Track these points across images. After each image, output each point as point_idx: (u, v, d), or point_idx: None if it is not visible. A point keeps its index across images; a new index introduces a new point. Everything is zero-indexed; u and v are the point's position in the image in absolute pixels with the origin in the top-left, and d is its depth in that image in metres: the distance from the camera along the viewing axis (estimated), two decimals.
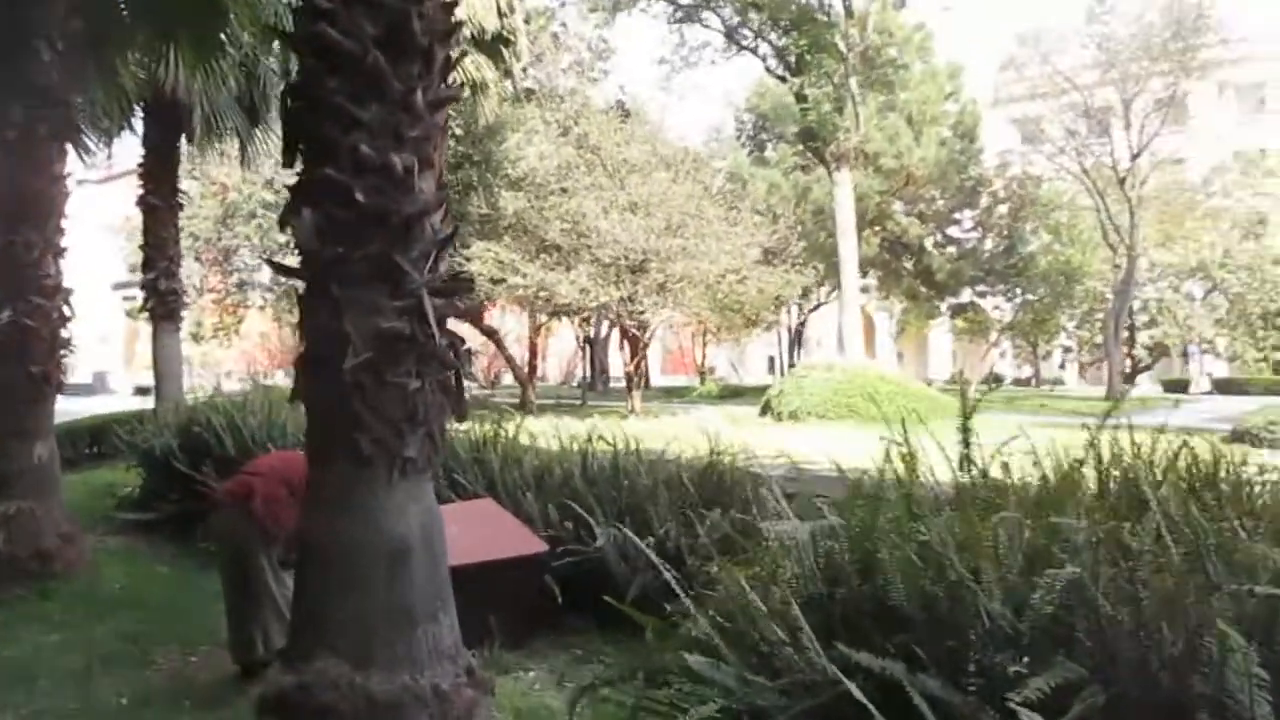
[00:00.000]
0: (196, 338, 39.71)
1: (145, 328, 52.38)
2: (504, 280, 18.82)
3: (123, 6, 8.03)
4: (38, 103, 7.00)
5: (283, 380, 42.58)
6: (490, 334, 23.13)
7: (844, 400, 19.14)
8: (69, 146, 7.70)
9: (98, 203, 39.39)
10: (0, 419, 7.07)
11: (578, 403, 27.14)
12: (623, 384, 44.44)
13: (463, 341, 4.01)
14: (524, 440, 7.56)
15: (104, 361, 48.13)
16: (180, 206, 14.43)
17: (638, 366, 20.24)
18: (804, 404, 19.34)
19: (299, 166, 3.93)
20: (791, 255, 22.26)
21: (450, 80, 4.08)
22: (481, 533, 5.42)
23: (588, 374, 34.00)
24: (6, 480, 7.01)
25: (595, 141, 18.98)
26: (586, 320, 27.28)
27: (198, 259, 33.99)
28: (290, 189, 3.94)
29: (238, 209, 31.36)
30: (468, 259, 18.85)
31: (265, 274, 38.29)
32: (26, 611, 6.43)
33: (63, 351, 7.28)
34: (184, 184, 18.87)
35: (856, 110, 21.82)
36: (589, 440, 6.33)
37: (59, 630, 5.99)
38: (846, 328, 21.22)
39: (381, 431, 3.74)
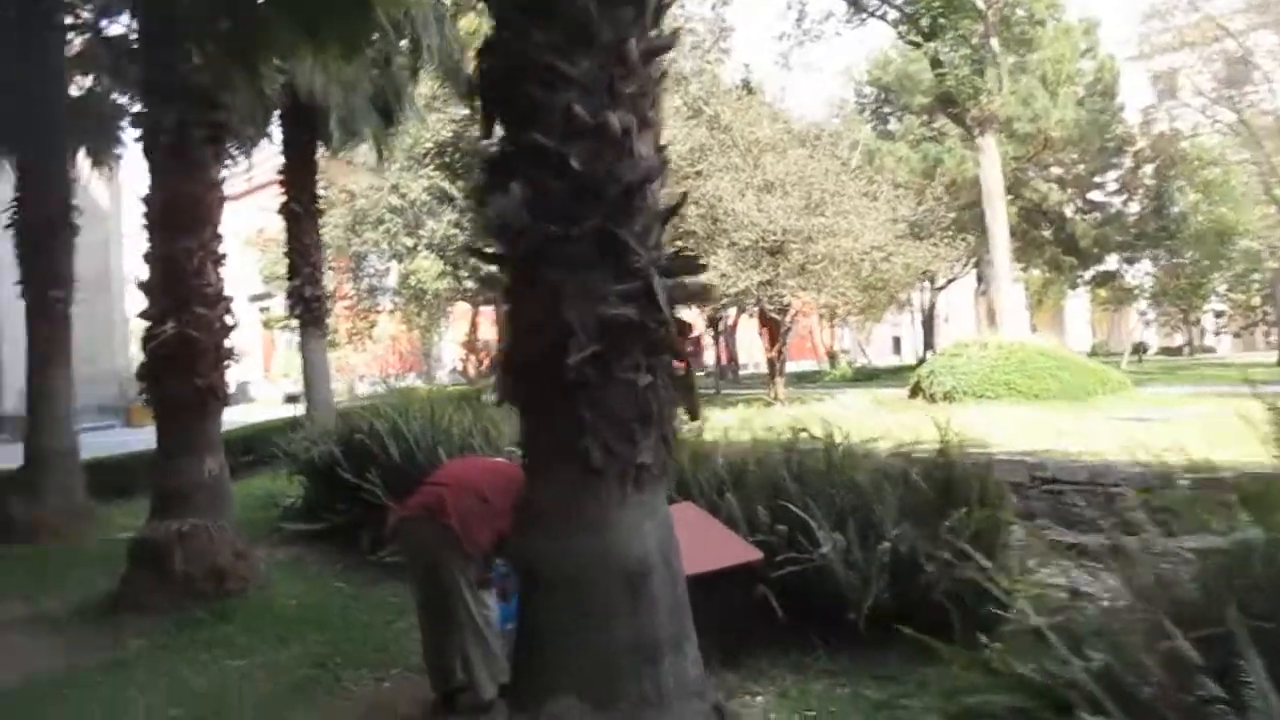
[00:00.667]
0: (332, 344, 40.61)
1: (281, 337, 53.89)
2: None
3: (267, 6, 7.78)
4: (191, 105, 6.76)
5: (414, 382, 43.32)
6: None
7: (1001, 377, 18.05)
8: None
9: (230, 217, 40.54)
10: (169, 434, 6.88)
11: (711, 391, 26.56)
12: (750, 371, 43.76)
13: (690, 327, 3.46)
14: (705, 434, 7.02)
15: (243, 372, 49.87)
16: (320, 212, 14.39)
17: (779, 352, 19.54)
18: (959, 383, 18.30)
19: (497, 136, 3.44)
20: (939, 227, 21.09)
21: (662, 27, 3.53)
22: (689, 541, 4.86)
23: (719, 362, 33.22)
24: (179, 497, 6.82)
25: (727, 121, 18.33)
26: (718, 307, 26.68)
27: (330, 267, 34.60)
28: (488, 162, 3.46)
29: (365, 215, 31.72)
30: None
31: (393, 278, 38.89)
32: (206, 635, 6.19)
33: (226, 362, 7.05)
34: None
35: (1000, 71, 20.60)
36: (793, 432, 5.73)
37: (243, 655, 5.71)
38: (999, 301, 20.06)
39: (611, 435, 3.22)
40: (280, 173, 14.00)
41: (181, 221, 6.78)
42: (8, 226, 10.38)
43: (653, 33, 3.42)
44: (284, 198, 13.90)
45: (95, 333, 25.19)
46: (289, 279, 14.11)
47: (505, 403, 3.53)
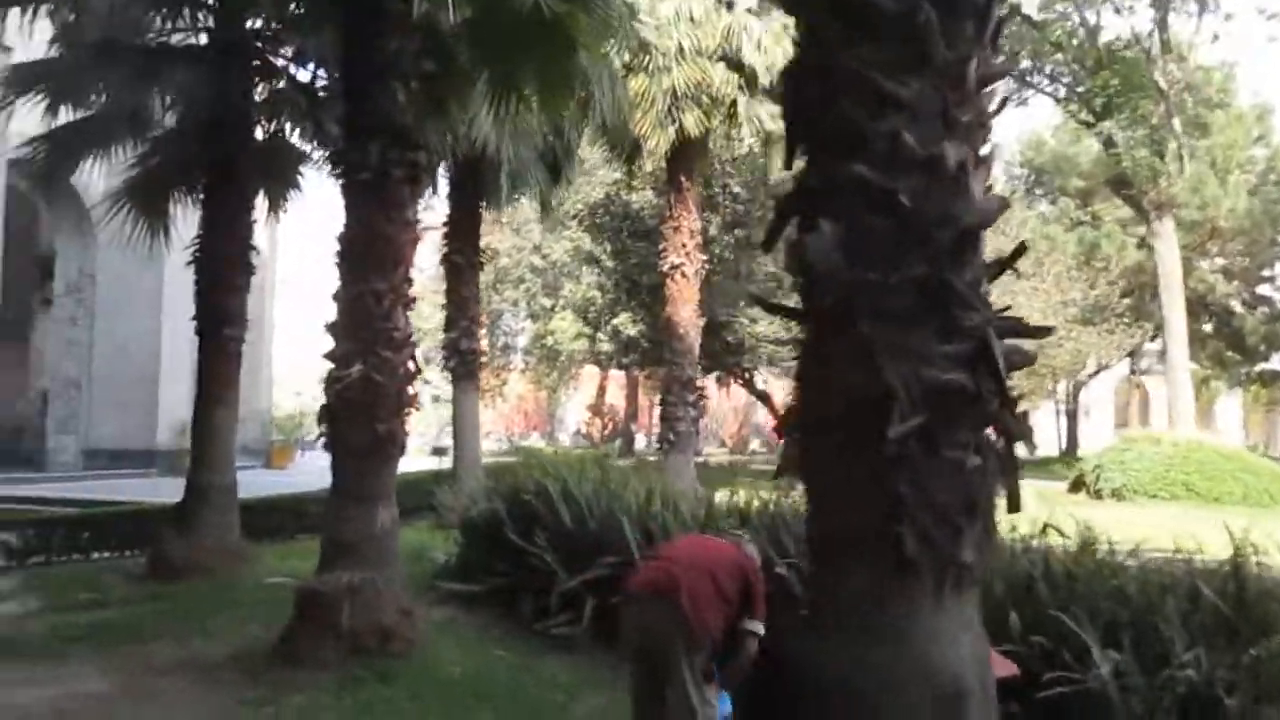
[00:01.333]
0: None
1: (425, 387, 54.92)
2: (788, 342, 17.81)
3: (467, 47, 7.66)
4: (392, 144, 6.59)
5: (538, 442, 43.47)
6: (763, 397, 22.15)
7: (1178, 477, 16.79)
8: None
9: None
10: (345, 481, 6.60)
11: None
12: None
13: (1017, 399, 2.91)
14: None
15: None
16: (481, 266, 14.35)
17: None
18: (1129, 480, 17.11)
19: (798, 168, 2.99)
20: (1113, 313, 19.96)
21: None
22: None
23: None
24: (349, 548, 6.51)
25: None
26: None
27: None
28: (789, 198, 3.01)
29: (507, 274, 32.16)
30: (753, 320, 18.04)
31: (525, 337, 39.29)
32: (368, 696, 5.81)
33: (407, 409, 6.77)
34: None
35: (1181, 152, 19.57)
36: (1042, 531, 5.07)
37: None
38: (1175, 397, 18.76)
39: (930, 524, 2.67)
40: (445, 224, 14.02)
41: (375, 262, 6.58)
42: (189, 264, 10.50)
43: (991, 54, 2.94)
44: (445, 249, 13.88)
45: (245, 374, 25.83)
46: (445, 331, 14.04)
47: (786, 474, 3.01)
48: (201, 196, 10.67)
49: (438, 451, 15.83)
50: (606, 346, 28.76)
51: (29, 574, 10.39)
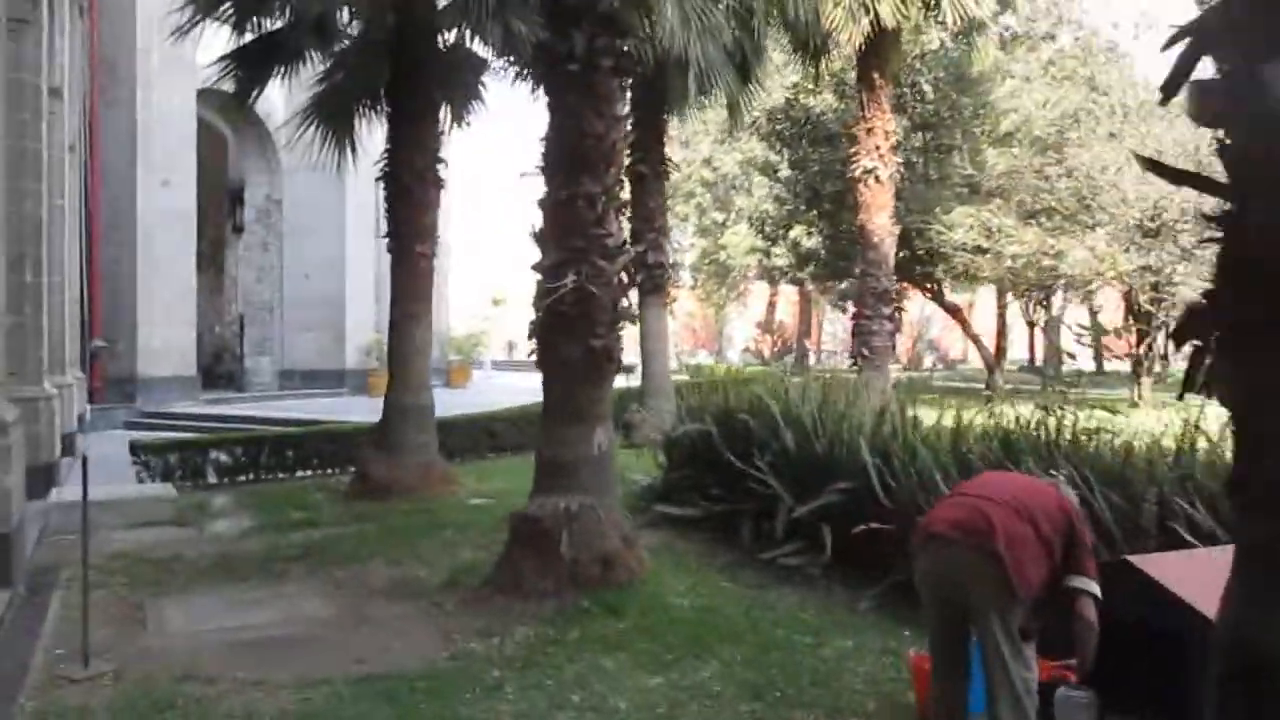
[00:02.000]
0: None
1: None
2: (987, 250, 16.55)
3: None
4: (599, 30, 5.97)
5: (706, 359, 43.00)
6: (954, 311, 20.92)
7: None
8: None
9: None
10: (557, 400, 6.16)
11: (1036, 388, 24.08)
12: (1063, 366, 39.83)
13: None
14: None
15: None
16: (668, 175, 13.69)
17: (1149, 349, 17.08)
18: None
19: None
20: None
21: None
22: None
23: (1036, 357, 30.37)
24: (566, 470, 6.10)
25: (1106, 84, 16.11)
26: (1045, 298, 24.20)
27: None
28: (1199, 29, 2.21)
29: (677, 189, 31.40)
30: (949, 226, 16.83)
31: (694, 254, 38.63)
32: (600, 633, 5.40)
33: (622, 323, 6.25)
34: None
35: None
36: None
37: (656, 668, 4.84)
38: None
39: None
40: (628, 132, 13.39)
41: (585, 162, 6.04)
42: (378, 179, 10.27)
43: None
44: (630, 159, 13.28)
45: None
46: (631, 242, 13.50)
47: (1211, 394, 2.27)
48: (387, 110, 10.38)
49: (624, 369, 15.42)
50: (781, 260, 27.81)
51: (240, 491, 10.57)
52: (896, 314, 15.18)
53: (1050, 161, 15.80)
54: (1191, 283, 15.60)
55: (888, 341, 15.05)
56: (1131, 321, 17.76)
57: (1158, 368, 19.35)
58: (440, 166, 10.19)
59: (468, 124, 11.68)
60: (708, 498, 7.58)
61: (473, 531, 8.08)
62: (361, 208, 23.22)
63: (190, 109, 19.27)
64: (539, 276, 6.23)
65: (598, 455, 6.15)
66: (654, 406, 13.16)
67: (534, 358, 6.38)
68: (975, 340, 21.52)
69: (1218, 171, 2.13)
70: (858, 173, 14.81)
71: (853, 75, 16.27)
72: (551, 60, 6.12)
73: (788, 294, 41.68)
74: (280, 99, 22.07)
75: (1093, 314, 23.28)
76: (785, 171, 22.43)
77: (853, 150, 15.06)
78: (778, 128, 20.92)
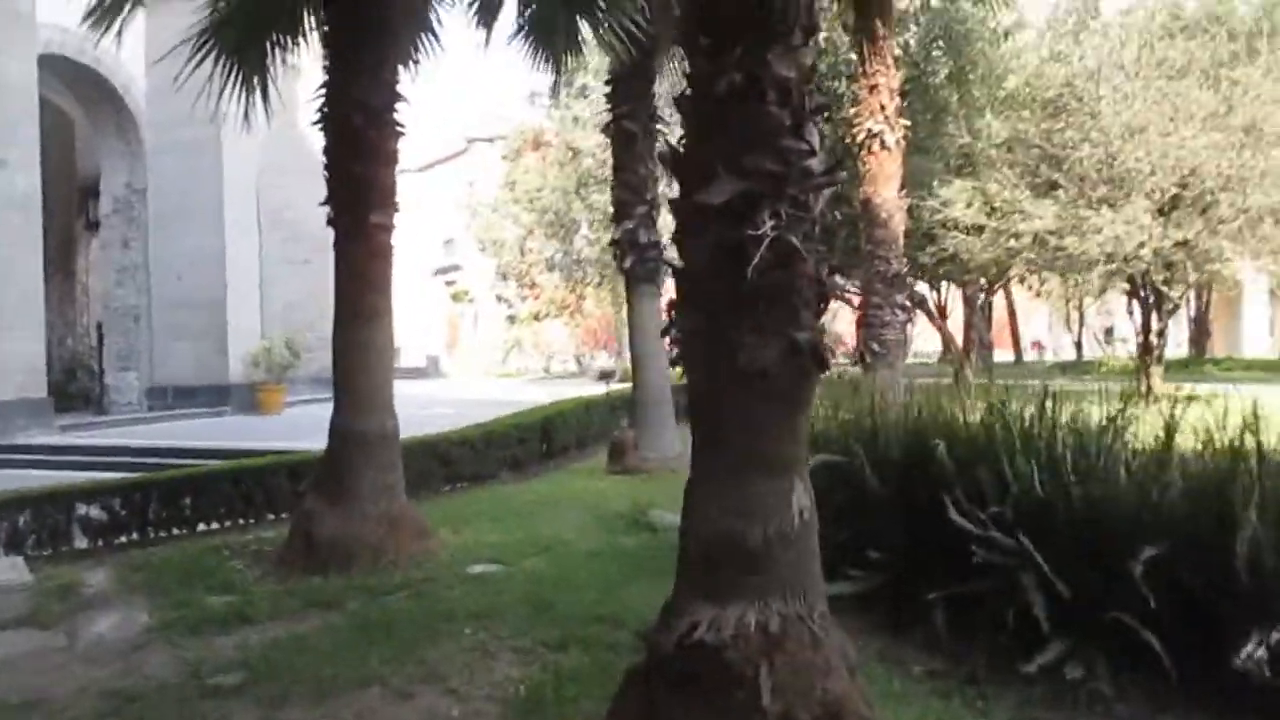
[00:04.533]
0: (537, 317, 38.20)
1: (467, 312, 51.86)
2: (984, 229, 14.60)
3: None
4: None
5: (607, 362, 40.44)
6: (921, 303, 19.02)
7: None
8: None
9: (414, 191, 38.16)
10: (733, 437, 3.59)
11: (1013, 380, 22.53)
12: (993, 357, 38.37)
13: None
14: None
15: (430, 347, 47.92)
16: (660, 133, 11.15)
17: (1160, 335, 15.46)
18: None
19: None
20: None
21: None
22: None
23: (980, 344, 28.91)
24: (748, 556, 3.54)
25: (1123, 36, 14.34)
26: (998, 283, 22.66)
27: (548, 235, 31.99)
28: None
29: (591, 176, 28.80)
30: (944, 203, 14.84)
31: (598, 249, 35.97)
32: None
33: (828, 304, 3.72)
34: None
35: None
36: None
37: None
38: None
39: None
40: (607, 82, 10.83)
41: (769, 21, 3.47)
42: (315, 124, 7.47)
43: None
44: (611, 112, 10.72)
45: (324, 296, 23.06)
46: (615, 221, 10.93)
47: None
48: (325, 29, 7.60)
49: (604, 375, 12.85)
50: None
51: (123, 561, 7.59)
52: (910, 302, 12.99)
53: (1062, 126, 13.95)
54: (1232, 264, 13.94)
55: (901, 334, 12.87)
56: (1137, 305, 16.11)
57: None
58: (401, 105, 7.45)
59: (415, 62, 8.88)
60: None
61: (500, 624, 5.42)
62: (242, 192, 19.95)
63: (30, 73, 15.73)
64: (686, 225, 3.66)
65: (799, 528, 3.60)
66: (651, 422, 10.64)
67: (678, 366, 3.79)
68: (943, 331, 19.67)
69: None
70: (860, 138, 12.56)
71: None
72: None
73: None
74: (139, 68, 18.68)
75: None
76: None
77: (854, 112, 12.82)
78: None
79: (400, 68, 7.62)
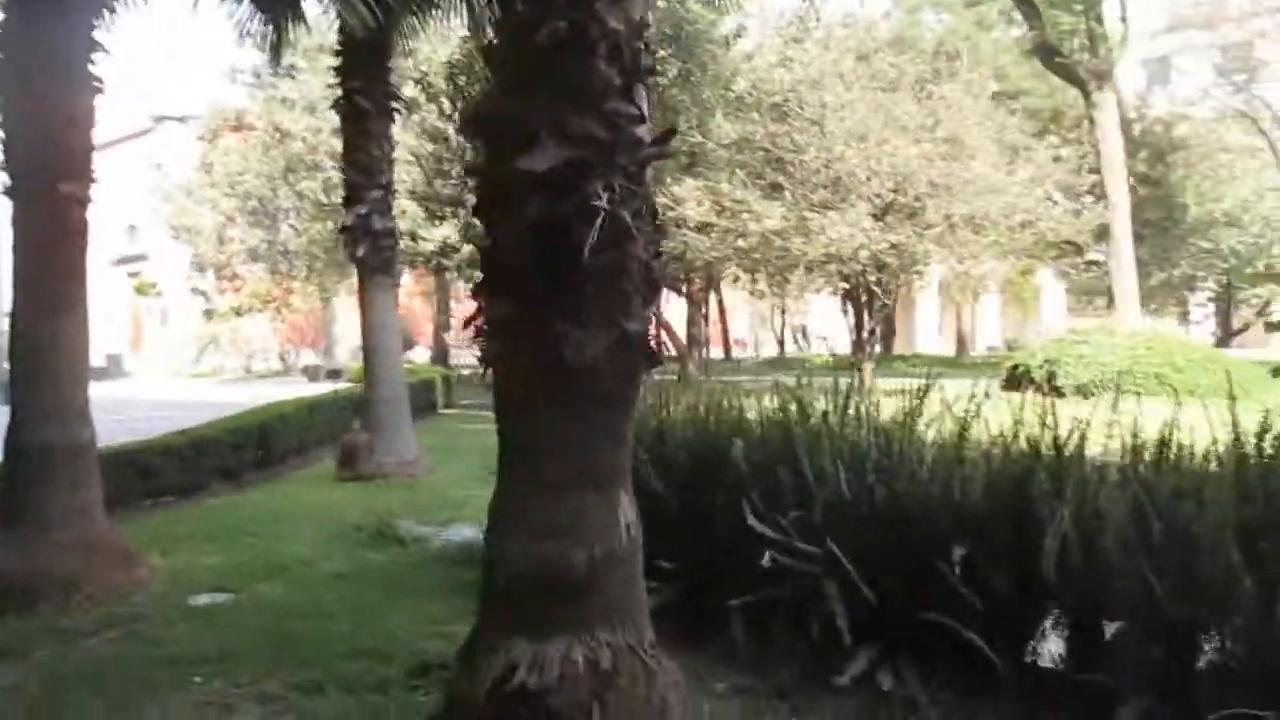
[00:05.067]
0: (238, 311, 35.39)
1: (154, 306, 47.40)
2: (715, 226, 14.86)
3: None
4: None
5: (312, 360, 38.19)
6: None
7: (1148, 370, 15.47)
8: None
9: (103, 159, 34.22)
10: (551, 446, 3.11)
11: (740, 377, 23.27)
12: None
13: None
14: None
15: (111, 344, 43.25)
16: (395, 111, 10.30)
17: (873, 332, 16.36)
18: (1094, 376, 15.63)
19: None
20: (1078, 188, 17.72)
21: None
22: None
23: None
24: (572, 583, 3.08)
25: (845, 46, 14.98)
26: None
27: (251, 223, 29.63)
28: None
29: (300, 161, 26.93)
30: (676, 201, 14.93)
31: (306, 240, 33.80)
32: None
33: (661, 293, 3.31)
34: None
35: (1126, 17, 17.89)
36: None
37: None
38: (1120, 285, 17.40)
39: None
40: (337, 52, 9.89)
41: None
42: None
43: None
44: (341, 85, 9.80)
45: None
46: (345, 205, 10.00)
47: None
48: None
49: (332, 374, 11.79)
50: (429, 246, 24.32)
51: None
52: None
53: (789, 130, 14.42)
54: (931, 268, 14.95)
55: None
56: (849, 305, 17.00)
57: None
58: (98, 54, 6.31)
59: (112, 10, 7.59)
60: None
61: (236, 668, 4.57)
62: None
63: None
64: (497, 197, 3.13)
65: (627, 545, 3.17)
66: (387, 423, 9.84)
67: (478, 359, 3.24)
68: (667, 328, 19.93)
69: None
70: None
71: None
72: None
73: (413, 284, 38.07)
74: None
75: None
76: (456, 140, 19.37)
77: None
78: (459, 84, 17.79)
79: (96, 11, 6.44)
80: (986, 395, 4.73)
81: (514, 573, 3.11)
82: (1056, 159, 15.47)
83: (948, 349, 41.03)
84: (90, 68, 6.29)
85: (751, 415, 5.14)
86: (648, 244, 3.16)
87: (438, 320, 31.97)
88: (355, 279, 31.49)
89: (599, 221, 2.90)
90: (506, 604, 3.12)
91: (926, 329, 48.46)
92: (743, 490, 4.58)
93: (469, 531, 6.86)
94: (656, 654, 3.15)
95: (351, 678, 4.34)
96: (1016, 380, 17.21)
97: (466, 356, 36.65)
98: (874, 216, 13.77)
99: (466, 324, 3.21)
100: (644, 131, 3.16)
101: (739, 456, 4.65)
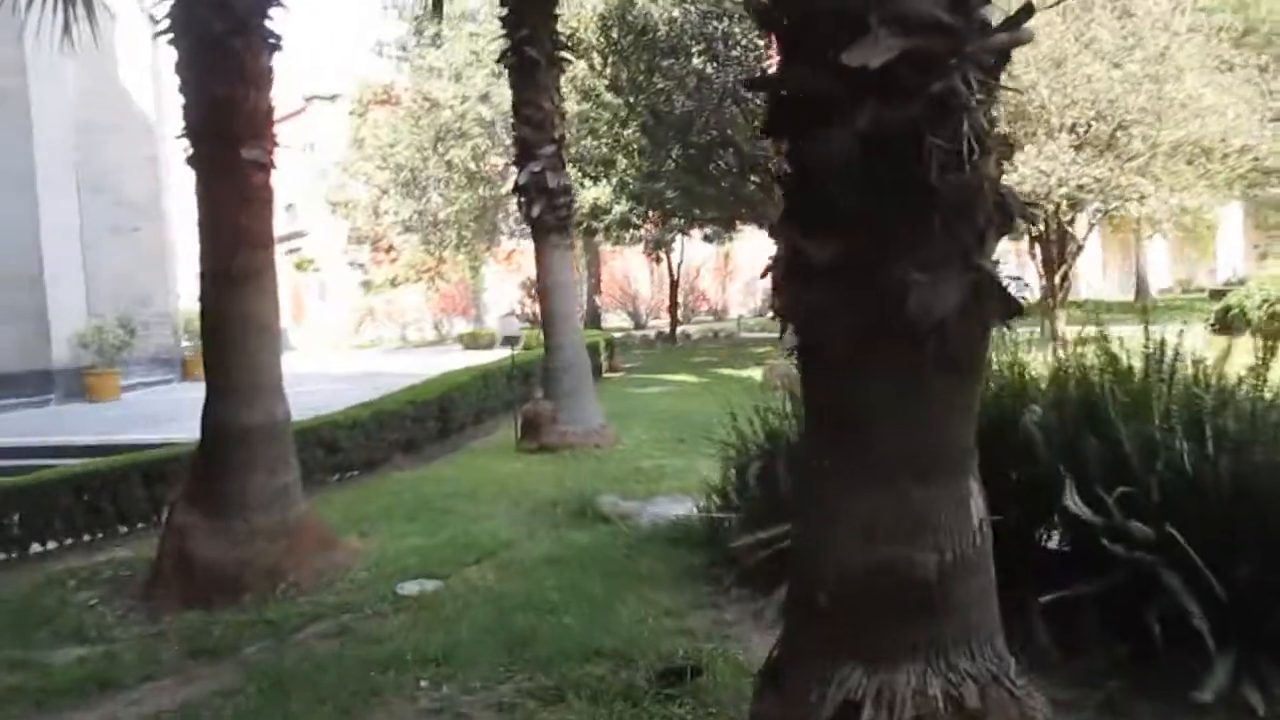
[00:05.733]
0: (393, 283, 35.96)
1: (311, 281, 48.74)
2: None
3: None
4: None
5: (464, 327, 38.48)
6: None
7: None
8: None
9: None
10: (885, 422, 2.45)
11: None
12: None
13: None
14: None
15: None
16: (568, 63, 9.75)
17: (1064, 276, 15.08)
18: None
19: None
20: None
21: None
22: None
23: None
24: (915, 595, 2.42)
25: None
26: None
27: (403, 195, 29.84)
28: None
29: (448, 130, 26.89)
30: None
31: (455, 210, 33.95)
32: None
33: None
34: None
35: None
36: None
37: None
38: None
39: None
40: (503, 3, 9.38)
41: None
42: (161, 33, 5.85)
43: None
44: (508, 39, 9.28)
45: (149, 266, 20.66)
46: (517, 163, 9.53)
47: None
48: None
49: (509, 341, 11.45)
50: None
51: None
52: None
53: None
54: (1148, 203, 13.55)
55: None
56: (1038, 248, 15.71)
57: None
58: (277, 12, 5.93)
59: None
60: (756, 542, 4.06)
61: (465, 670, 4.12)
62: (55, 148, 17.44)
63: None
64: (807, 107, 2.46)
65: (980, 547, 2.50)
66: (570, 390, 9.38)
67: (783, 319, 2.60)
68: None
69: None
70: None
71: None
72: None
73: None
74: None
75: None
76: (608, 96, 18.80)
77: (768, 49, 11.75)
78: (612, 38, 17.16)
79: None
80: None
81: (841, 582, 2.47)
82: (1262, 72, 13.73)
83: (1115, 293, 38.44)
84: (268, 23, 5.92)
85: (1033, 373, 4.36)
86: (998, 160, 2.45)
87: (589, 283, 31.68)
88: (502, 247, 31.29)
89: (954, 129, 2.21)
90: (830, 620, 2.49)
91: (1090, 272, 45.78)
92: (1036, 464, 3.86)
93: (678, 508, 6.32)
94: (1027, 686, 2.48)
95: (593, 684, 3.83)
96: (1228, 324, 15.69)
97: (613, 320, 36.33)
98: (1075, 149, 12.54)
99: (765, 272, 2.56)
100: (987, 13, 2.45)
101: (1032, 424, 3.91)
